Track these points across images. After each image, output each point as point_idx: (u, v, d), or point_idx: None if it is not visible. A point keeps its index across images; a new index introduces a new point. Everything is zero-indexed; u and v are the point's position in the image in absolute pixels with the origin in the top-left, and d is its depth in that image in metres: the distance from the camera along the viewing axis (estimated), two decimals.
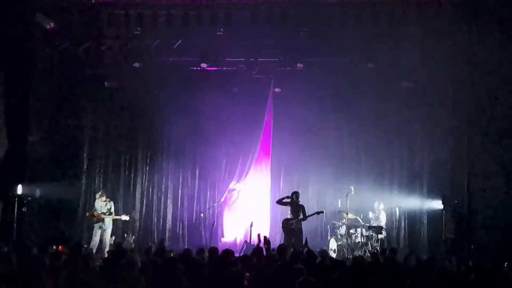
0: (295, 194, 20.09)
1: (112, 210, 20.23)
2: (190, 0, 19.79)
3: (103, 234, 19.90)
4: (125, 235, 21.45)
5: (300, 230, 19.65)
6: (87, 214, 20.36)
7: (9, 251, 13.39)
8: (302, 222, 19.78)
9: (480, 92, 19.53)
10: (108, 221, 20.03)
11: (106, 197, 20.41)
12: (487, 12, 18.95)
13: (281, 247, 14.14)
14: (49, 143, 21.31)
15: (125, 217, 20.47)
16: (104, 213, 19.98)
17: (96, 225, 19.97)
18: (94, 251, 19.24)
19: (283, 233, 19.99)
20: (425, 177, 21.96)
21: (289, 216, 19.82)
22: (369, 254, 17.85)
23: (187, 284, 10.46)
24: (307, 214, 19.88)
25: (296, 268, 10.28)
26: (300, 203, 20.01)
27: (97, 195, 20.41)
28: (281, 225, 20.07)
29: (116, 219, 20.33)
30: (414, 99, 21.89)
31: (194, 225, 22.24)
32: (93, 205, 20.42)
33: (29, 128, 20.48)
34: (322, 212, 20.95)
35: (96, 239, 19.82)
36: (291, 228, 19.61)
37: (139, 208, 22.82)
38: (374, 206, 21.41)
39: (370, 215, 21.37)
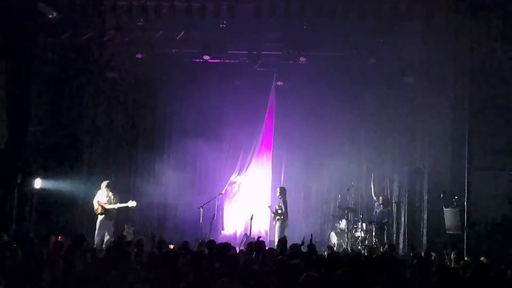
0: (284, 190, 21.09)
1: (117, 200, 20.18)
2: None
3: (106, 226, 19.87)
4: (125, 226, 21.45)
5: (279, 224, 20.57)
6: (95, 204, 20.20)
7: (9, 241, 13.43)
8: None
9: (482, 87, 19.48)
10: (112, 213, 20.01)
11: (110, 188, 20.37)
12: (490, 7, 18.91)
13: (282, 241, 14.19)
14: (50, 134, 21.30)
15: (131, 204, 20.35)
16: (110, 204, 19.96)
17: (100, 217, 19.95)
18: (98, 242, 19.22)
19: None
20: (425, 171, 21.95)
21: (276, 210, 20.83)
22: (368, 249, 17.85)
23: (187, 275, 10.49)
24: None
25: (294, 263, 10.29)
26: (285, 198, 20.95)
27: (103, 185, 20.29)
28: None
29: (121, 207, 20.27)
30: (416, 94, 21.92)
31: (194, 217, 22.21)
32: (95, 195, 20.36)
33: (30, 118, 20.44)
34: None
35: (101, 231, 19.77)
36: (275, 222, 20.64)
37: (139, 200, 22.75)
38: (379, 201, 21.44)
39: (376, 208, 21.43)
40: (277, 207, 20.91)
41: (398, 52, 20.94)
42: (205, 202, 21.50)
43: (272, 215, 21.00)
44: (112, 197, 20.03)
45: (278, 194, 21.17)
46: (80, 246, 13.20)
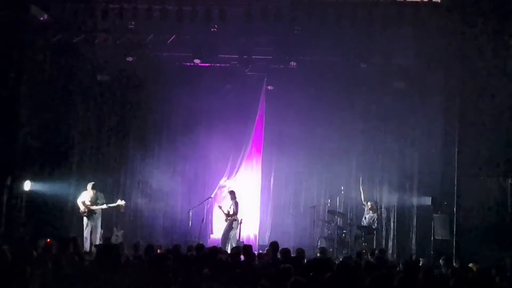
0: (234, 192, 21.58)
1: (103, 201, 20.17)
2: None
3: (93, 228, 19.83)
4: (114, 229, 21.41)
5: (228, 224, 21.13)
6: (80, 205, 20.18)
7: None
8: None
9: (472, 93, 19.56)
10: (98, 214, 19.98)
11: (96, 190, 20.34)
12: (480, 13, 18.98)
13: (273, 245, 14.18)
14: (39, 136, 21.23)
15: (120, 202, 20.37)
16: (96, 206, 19.92)
17: (86, 218, 19.90)
18: (85, 245, 19.18)
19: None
20: (415, 177, 21.98)
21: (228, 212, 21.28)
22: (357, 254, 17.87)
23: (176, 279, 10.48)
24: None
25: (283, 267, 10.31)
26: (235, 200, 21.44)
27: (89, 186, 20.26)
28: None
29: (111, 207, 20.25)
30: (406, 100, 21.94)
31: (184, 221, 22.22)
32: (79, 196, 20.35)
33: (20, 120, 20.41)
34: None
35: (86, 233, 19.72)
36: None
37: (128, 203, 22.70)
38: (368, 206, 21.47)
39: (365, 214, 21.47)
40: (229, 209, 21.21)
41: (389, 58, 20.98)
42: (195, 206, 21.52)
43: (224, 216, 21.22)
44: (97, 198, 20.01)
45: (230, 197, 21.38)
46: (68, 249, 13.17)
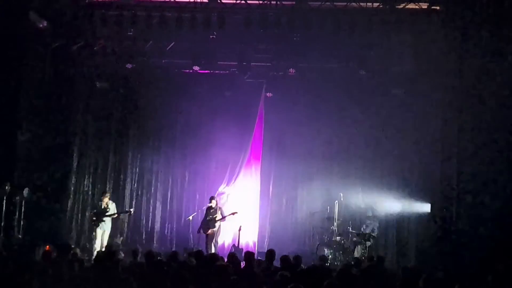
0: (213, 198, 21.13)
1: (114, 211, 20.21)
2: (184, 2, 19.82)
3: (103, 235, 19.88)
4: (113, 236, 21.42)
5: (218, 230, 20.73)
6: (91, 213, 20.35)
7: None
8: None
9: (471, 100, 19.54)
10: (108, 222, 20.02)
11: (109, 199, 20.43)
12: (478, 21, 19.00)
13: (270, 252, 14.16)
14: (39, 142, 21.19)
15: (131, 210, 20.85)
16: (106, 215, 19.96)
17: (95, 227, 19.94)
18: (95, 252, 19.20)
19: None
20: (414, 184, 21.94)
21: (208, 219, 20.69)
22: (356, 261, 17.85)
23: (174, 286, 10.47)
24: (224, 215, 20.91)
25: (281, 274, 10.31)
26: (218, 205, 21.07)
27: (107, 195, 20.45)
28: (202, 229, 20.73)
29: (120, 214, 20.40)
30: (405, 107, 21.94)
31: (183, 227, 22.25)
32: (94, 206, 20.46)
33: (19, 126, 20.37)
34: (237, 212, 21.22)
35: (97, 241, 19.76)
36: (208, 229, 20.55)
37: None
38: (367, 213, 21.48)
39: (365, 220, 21.46)
40: (217, 214, 20.84)
41: (387, 65, 21.02)
42: (194, 213, 21.52)
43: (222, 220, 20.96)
44: (110, 207, 20.08)
45: (215, 204, 21.00)
46: (67, 255, 13.17)
